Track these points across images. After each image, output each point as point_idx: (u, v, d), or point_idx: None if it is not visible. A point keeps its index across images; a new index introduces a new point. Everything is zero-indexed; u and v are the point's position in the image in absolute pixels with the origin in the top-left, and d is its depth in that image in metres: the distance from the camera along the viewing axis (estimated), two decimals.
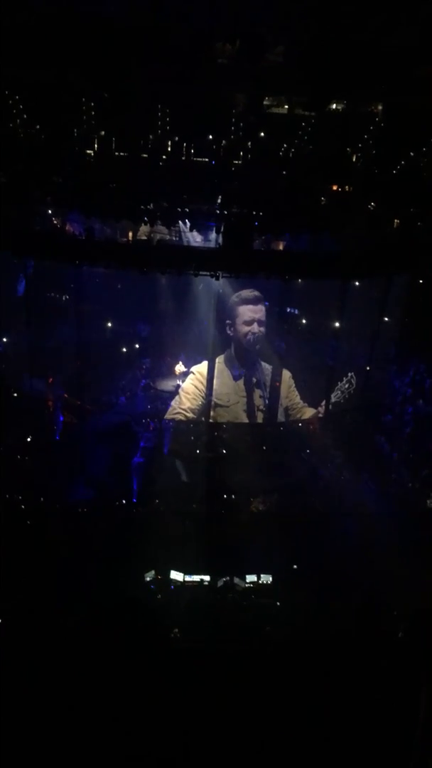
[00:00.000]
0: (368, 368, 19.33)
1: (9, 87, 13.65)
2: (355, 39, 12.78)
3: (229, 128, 14.41)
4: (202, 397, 18.37)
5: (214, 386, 18.14)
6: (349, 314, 18.19)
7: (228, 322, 18.08)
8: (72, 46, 12.76)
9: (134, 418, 18.58)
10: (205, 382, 18.26)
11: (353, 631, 5.26)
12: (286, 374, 18.90)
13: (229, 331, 18.16)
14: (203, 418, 18.41)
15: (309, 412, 19.13)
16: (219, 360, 18.35)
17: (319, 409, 18.94)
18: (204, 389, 18.31)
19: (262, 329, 17.99)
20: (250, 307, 17.92)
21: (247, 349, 18.18)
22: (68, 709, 3.47)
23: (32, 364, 18.28)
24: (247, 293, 17.82)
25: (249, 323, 17.93)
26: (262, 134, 14.79)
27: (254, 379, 18.55)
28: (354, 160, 15.15)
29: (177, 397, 18.54)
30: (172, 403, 18.56)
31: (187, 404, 18.41)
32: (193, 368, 18.55)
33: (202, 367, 18.44)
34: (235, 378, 18.55)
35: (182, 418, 18.44)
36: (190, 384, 18.51)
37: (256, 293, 17.83)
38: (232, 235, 14.85)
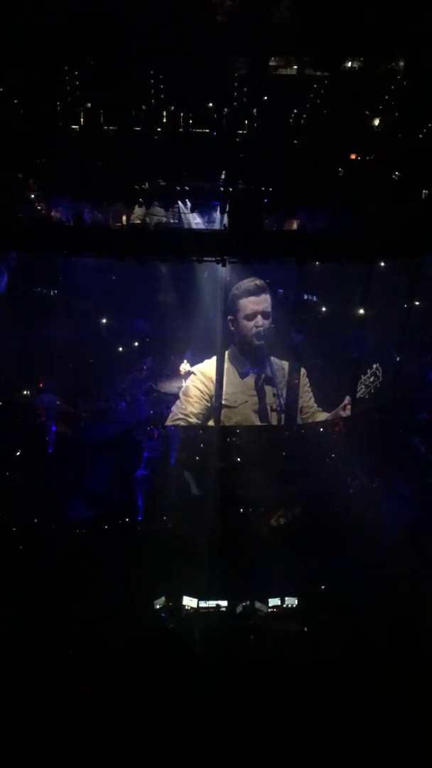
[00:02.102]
0: (398, 359, 19.24)
1: None
2: None
3: (231, 94, 14.37)
4: (206, 399, 18.34)
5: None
6: (374, 300, 18.11)
7: (230, 317, 18.00)
8: (51, 8, 12.74)
9: (136, 425, 18.60)
10: (208, 382, 18.23)
11: (388, 655, 5.24)
12: (300, 372, 18.81)
13: (231, 327, 18.08)
14: (212, 423, 18.40)
15: (321, 417, 19.07)
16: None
17: (345, 406, 18.86)
18: (208, 390, 18.28)
19: (267, 322, 17.91)
20: (252, 299, 17.82)
21: (253, 345, 18.12)
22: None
23: (19, 368, 18.34)
24: (248, 283, 17.73)
25: (251, 317, 17.85)
26: (269, 100, 14.75)
27: (264, 376, 18.50)
28: (374, 124, 15.08)
29: (178, 401, 18.51)
30: (173, 408, 18.55)
31: (189, 408, 18.39)
32: (195, 368, 18.51)
33: (204, 367, 18.40)
34: (242, 376, 18.49)
35: (185, 423, 18.42)
36: (192, 386, 18.47)
37: (258, 282, 17.73)
38: (238, 215, 14.83)
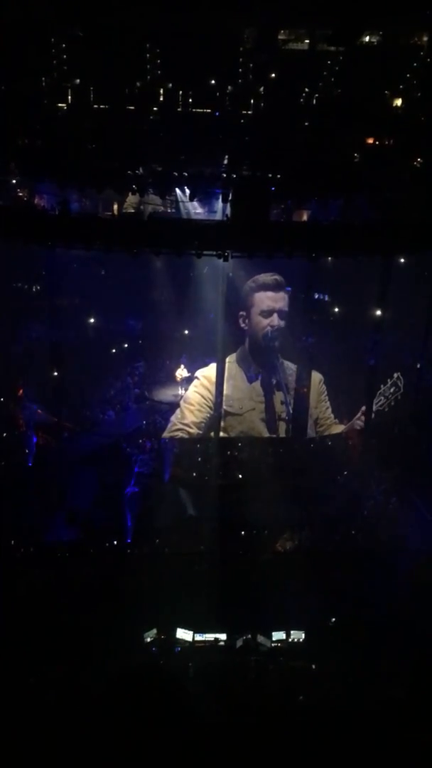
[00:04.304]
0: (419, 366, 19.22)
1: None
2: None
3: (236, 70, 14.41)
4: (210, 408, 18.34)
5: (224, 390, 18.14)
6: (393, 300, 18.11)
7: (242, 313, 18.07)
8: None
9: (126, 437, 18.56)
10: (213, 389, 18.24)
11: (409, 700, 5.16)
12: (316, 378, 18.83)
13: (243, 324, 18.16)
14: (212, 434, 18.37)
15: (337, 430, 19.08)
16: (230, 359, 18.35)
17: (359, 418, 18.85)
18: (212, 398, 18.29)
19: (283, 322, 17.99)
20: (270, 294, 17.95)
21: (265, 346, 18.17)
22: None
23: None
24: (266, 277, 17.86)
25: (268, 314, 17.95)
26: (277, 76, 14.77)
27: (273, 381, 18.53)
28: (394, 105, 15.10)
29: (178, 410, 18.53)
30: (172, 417, 18.55)
31: (190, 418, 18.39)
32: (198, 372, 18.55)
33: (209, 372, 18.43)
34: (250, 381, 18.55)
35: (185, 435, 18.42)
36: (195, 392, 18.50)
37: (277, 277, 17.86)
38: (243, 204, 14.81)
